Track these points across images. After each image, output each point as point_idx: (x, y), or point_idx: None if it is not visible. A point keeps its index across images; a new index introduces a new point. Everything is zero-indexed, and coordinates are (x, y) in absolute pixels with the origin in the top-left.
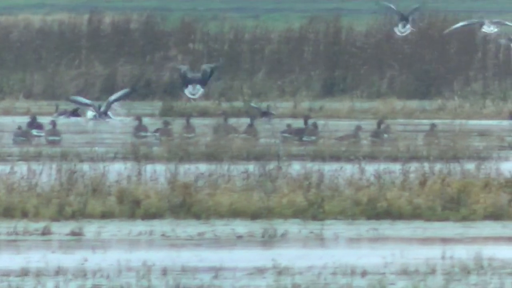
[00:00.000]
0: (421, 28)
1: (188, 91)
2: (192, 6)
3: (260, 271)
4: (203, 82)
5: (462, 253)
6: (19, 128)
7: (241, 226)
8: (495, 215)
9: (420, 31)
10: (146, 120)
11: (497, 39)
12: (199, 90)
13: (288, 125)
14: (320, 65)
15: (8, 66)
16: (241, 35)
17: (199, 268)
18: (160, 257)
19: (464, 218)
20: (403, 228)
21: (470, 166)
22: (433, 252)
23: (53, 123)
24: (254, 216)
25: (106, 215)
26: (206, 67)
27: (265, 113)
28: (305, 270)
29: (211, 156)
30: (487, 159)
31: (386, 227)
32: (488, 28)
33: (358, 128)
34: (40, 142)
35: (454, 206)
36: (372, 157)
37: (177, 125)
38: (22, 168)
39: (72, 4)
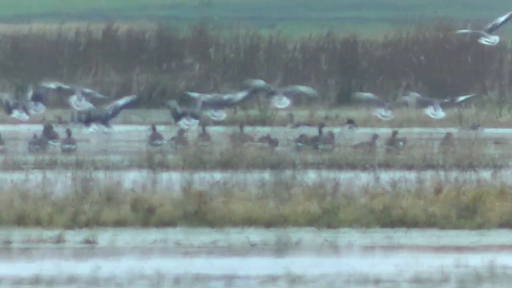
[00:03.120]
0: (436, 37)
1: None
2: (207, 14)
3: (273, 279)
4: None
5: (476, 261)
6: (34, 136)
7: (255, 234)
8: (510, 223)
9: (435, 40)
10: (161, 128)
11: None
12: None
13: (302, 135)
14: (336, 73)
15: (24, 75)
16: (256, 43)
17: (212, 276)
18: (173, 265)
19: (479, 226)
20: (417, 236)
21: (486, 174)
22: (447, 260)
23: (68, 132)
24: (269, 224)
25: (120, 223)
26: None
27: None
28: (319, 278)
29: (226, 164)
30: (503, 167)
31: (401, 235)
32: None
33: (375, 136)
34: (55, 150)
35: (469, 214)
36: (387, 165)
37: (192, 133)
38: (37, 176)
39: (86, 13)
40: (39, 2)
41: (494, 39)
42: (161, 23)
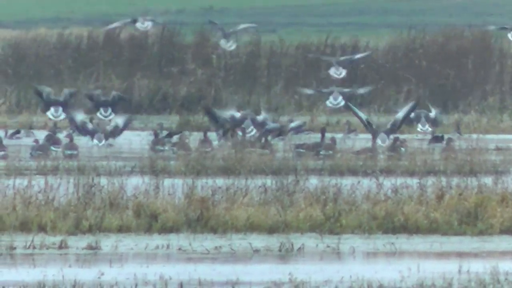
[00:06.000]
0: (438, 42)
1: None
2: (208, 20)
3: (276, 285)
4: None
5: (478, 267)
6: (36, 142)
7: (258, 240)
8: None
9: (437, 45)
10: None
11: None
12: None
13: (304, 141)
14: (337, 79)
15: (26, 80)
16: (258, 49)
17: (215, 282)
18: (176, 271)
19: (481, 233)
20: (419, 243)
21: (487, 180)
22: (449, 267)
23: (70, 137)
24: (271, 230)
25: (123, 229)
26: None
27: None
28: (322, 284)
29: (228, 170)
30: (504, 173)
31: (403, 242)
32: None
33: (376, 142)
34: (57, 156)
35: (471, 220)
36: (389, 171)
37: (194, 139)
38: (39, 182)
39: (88, 18)
40: (41, 8)
41: None
42: (163, 29)
